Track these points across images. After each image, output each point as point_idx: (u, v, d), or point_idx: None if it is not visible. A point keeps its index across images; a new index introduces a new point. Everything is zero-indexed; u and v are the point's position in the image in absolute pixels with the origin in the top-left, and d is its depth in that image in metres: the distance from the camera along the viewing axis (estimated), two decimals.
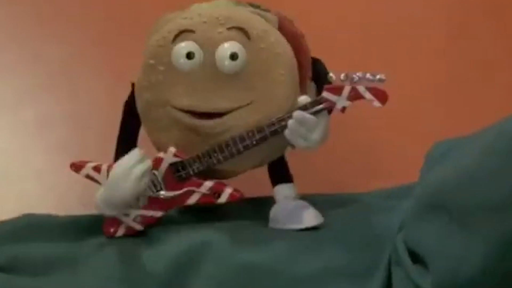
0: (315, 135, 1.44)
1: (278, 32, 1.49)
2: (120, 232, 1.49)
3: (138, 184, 1.43)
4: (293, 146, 1.50)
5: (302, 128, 1.43)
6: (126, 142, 1.53)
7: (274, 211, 1.51)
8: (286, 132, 1.44)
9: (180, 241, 1.44)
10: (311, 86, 1.54)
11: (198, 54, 1.46)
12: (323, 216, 1.49)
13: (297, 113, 1.43)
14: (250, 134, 1.45)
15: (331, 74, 1.44)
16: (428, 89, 1.87)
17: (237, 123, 1.46)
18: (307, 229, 1.46)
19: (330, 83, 1.47)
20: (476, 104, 1.83)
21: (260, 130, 1.45)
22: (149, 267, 1.41)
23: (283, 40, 1.49)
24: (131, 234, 1.48)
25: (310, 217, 1.47)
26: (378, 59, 1.89)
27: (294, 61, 1.49)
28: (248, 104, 1.46)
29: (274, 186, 1.54)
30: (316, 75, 1.53)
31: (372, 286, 1.35)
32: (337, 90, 1.43)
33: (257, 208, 1.54)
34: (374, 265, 1.38)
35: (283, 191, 1.53)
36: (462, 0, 2.05)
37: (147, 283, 1.39)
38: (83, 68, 1.93)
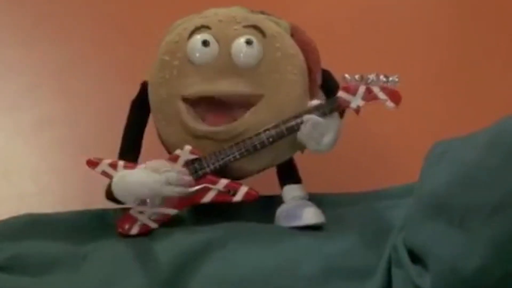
0: (327, 139, 1.45)
1: (291, 38, 1.52)
2: (135, 230, 1.48)
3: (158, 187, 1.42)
4: (302, 150, 1.51)
5: (315, 131, 1.44)
6: (131, 141, 1.53)
7: (279, 210, 1.52)
8: (299, 134, 1.45)
9: (183, 240, 1.44)
10: (320, 94, 1.54)
11: (214, 45, 1.47)
12: (325, 215, 1.49)
13: (311, 117, 1.44)
14: (266, 131, 1.46)
15: (346, 75, 1.47)
16: (428, 89, 1.87)
17: (250, 124, 1.47)
18: (308, 227, 1.46)
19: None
20: (476, 104, 1.83)
21: (276, 126, 1.46)
22: (151, 266, 1.40)
23: (295, 44, 1.51)
24: (145, 232, 1.48)
25: (310, 215, 1.47)
26: (378, 59, 1.89)
27: (305, 66, 1.51)
28: (259, 98, 1.48)
29: (282, 187, 1.55)
30: (325, 85, 1.55)
31: (372, 286, 1.35)
32: (353, 90, 1.46)
33: (265, 207, 1.54)
34: (374, 265, 1.38)
35: (291, 192, 1.53)
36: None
37: (148, 282, 1.38)
38: (81, 69, 1.93)
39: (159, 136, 1.53)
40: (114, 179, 1.45)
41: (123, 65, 1.82)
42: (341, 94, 1.46)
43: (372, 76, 1.45)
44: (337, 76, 1.52)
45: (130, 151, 1.52)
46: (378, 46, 1.88)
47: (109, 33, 1.98)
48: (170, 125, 1.50)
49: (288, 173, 1.55)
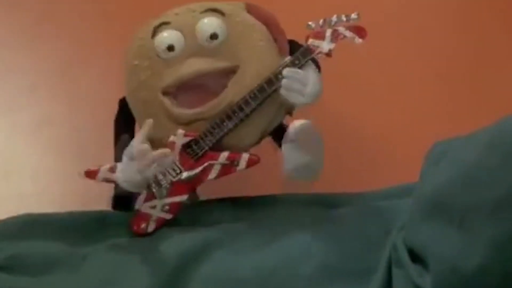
0: (309, 88, 1.48)
1: (248, 14, 1.54)
2: (151, 226, 1.48)
3: (142, 174, 1.42)
4: (290, 112, 1.53)
5: (296, 82, 1.47)
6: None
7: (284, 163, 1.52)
8: (282, 91, 1.48)
9: (182, 241, 1.44)
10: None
11: (179, 41, 1.50)
12: (325, 215, 1.49)
13: (286, 71, 1.48)
14: (252, 95, 1.48)
15: (309, 22, 1.52)
16: (428, 89, 1.87)
17: (234, 94, 1.48)
18: (308, 227, 1.46)
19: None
20: (476, 104, 1.83)
21: (260, 89, 1.48)
22: (150, 267, 1.40)
23: (254, 18, 1.54)
24: (160, 226, 1.48)
25: (294, 125, 1.49)
26: (379, 58, 1.89)
27: (269, 35, 1.54)
28: (235, 69, 1.50)
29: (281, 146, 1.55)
30: (292, 51, 1.55)
31: (372, 286, 1.35)
32: (320, 35, 1.51)
33: (255, 208, 1.54)
34: (374, 265, 1.37)
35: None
36: None
37: (148, 282, 1.38)
38: (80, 69, 1.93)
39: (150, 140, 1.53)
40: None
41: (123, 66, 1.81)
42: (310, 42, 1.50)
43: (334, 18, 1.51)
44: None
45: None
46: (378, 45, 1.88)
47: (109, 33, 1.98)
48: (157, 122, 1.49)
49: (282, 133, 1.55)
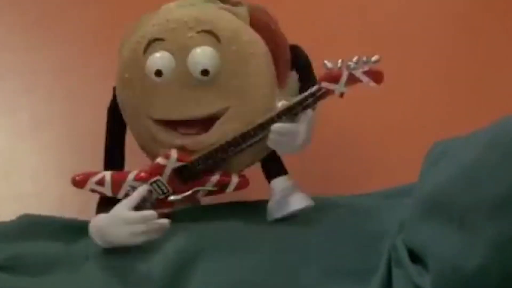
0: (298, 142, 1.43)
1: (250, 29, 1.46)
2: None
3: (133, 239, 1.40)
4: None
5: (284, 138, 1.42)
6: (114, 150, 1.52)
7: (270, 204, 1.50)
8: (269, 143, 1.43)
9: (182, 243, 1.43)
10: (293, 75, 1.52)
11: (170, 63, 1.43)
12: (324, 217, 1.49)
13: (275, 127, 1.41)
14: (252, 132, 1.43)
15: (326, 62, 1.43)
16: (428, 89, 1.87)
17: (224, 131, 1.45)
18: (309, 227, 1.46)
19: (312, 69, 1.49)
20: (476, 104, 1.83)
21: (262, 125, 1.43)
22: (150, 268, 1.40)
23: (255, 37, 1.46)
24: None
25: (297, 201, 1.47)
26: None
27: (269, 57, 1.46)
28: (226, 110, 1.45)
29: (270, 181, 1.52)
30: (296, 62, 1.52)
31: (372, 286, 1.35)
32: (335, 78, 1.43)
33: (255, 210, 1.53)
34: (374, 265, 1.37)
35: (279, 184, 1.51)
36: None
37: (147, 283, 1.38)
38: (81, 69, 1.93)
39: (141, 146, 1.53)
40: (91, 228, 1.43)
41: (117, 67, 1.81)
42: (324, 84, 1.43)
43: (353, 61, 1.42)
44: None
45: (115, 158, 1.51)
46: (377, 46, 1.88)
47: (109, 33, 1.98)
48: (143, 139, 1.49)
49: (273, 166, 1.53)
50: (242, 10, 1.48)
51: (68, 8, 2.04)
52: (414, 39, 1.97)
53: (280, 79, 1.48)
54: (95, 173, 1.47)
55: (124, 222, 1.40)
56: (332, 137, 1.72)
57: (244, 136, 1.44)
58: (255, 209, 1.52)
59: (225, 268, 1.39)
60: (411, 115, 1.82)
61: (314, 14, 2.01)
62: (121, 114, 1.51)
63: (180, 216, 1.49)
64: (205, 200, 1.53)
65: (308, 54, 1.55)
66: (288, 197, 1.48)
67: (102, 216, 1.42)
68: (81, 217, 1.54)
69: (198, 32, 1.43)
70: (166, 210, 1.47)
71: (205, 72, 1.42)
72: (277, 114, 1.42)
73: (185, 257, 1.41)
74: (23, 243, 1.46)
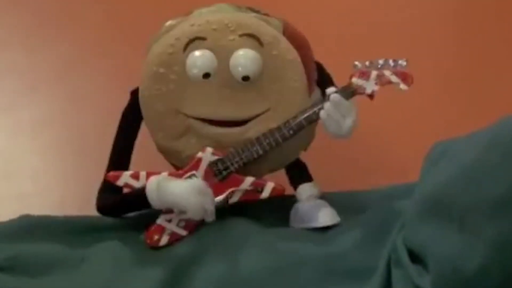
0: (348, 122, 1.44)
1: (285, 39, 1.49)
2: (164, 240, 1.46)
3: (200, 211, 1.42)
4: (306, 148, 1.52)
5: (337, 112, 1.43)
6: (122, 152, 1.52)
7: (293, 211, 1.52)
8: (322, 114, 1.44)
9: (183, 242, 1.44)
10: (317, 89, 1.54)
11: (212, 63, 1.45)
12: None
13: (334, 96, 1.43)
14: (286, 124, 1.45)
15: (356, 62, 1.47)
16: (429, 89, 1.87)
17: (259, 130, 1.46)
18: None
19: (334, 83, 1.50)
20: (476, 104, 1.83)
21: (295, 118, 1.45)
22: (150, 268, 1.40)
23: (291, 46, 1.49)
24: (174, 241, 1.46)
25: (326, 217, 1.48)
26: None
27: (302, 67, 1.49)
28: (265, 112, 1.47)
29: (295, 187, 1.54)
30: (319, 78, 1.54)
31: (372, 286, 1.35)
32: (365, 75, 1.46)
33: (278, 207, 1.53)
34: (374, 265, 1.37)
35: (306, 191, 1.52)
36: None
37: (148, 284, 1.38)
38: (80, 70, 1.93)
39: (157, 146, 1.52)
40: (153, 185, 1.43)
41: (123, 66, 1.82)
42: (354, 80, 1.45)
43: (381, 61, 1.46)
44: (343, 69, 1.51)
45: (122, 160, 1.51)
46: (378, 46, 1.88)
47: (109, 33, 1.98)
48: (172, 136, 1.49)
49: (299, 173, 1.55)
50: (275, 21, 1.51)
51: (70, 8, 2.04)
52: (415, 40, 1.97)
53: (309, 89, 1.50)
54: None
55: (200, 192, 1.41)
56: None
57: (280, 129, 1.45)
58: (255, 209, 1.52)
59: (227, 267, 1.39)
60: (411, 115, 1.82)
61: (316, 17, 2.01)
62: (137, 119, 1.51)
63: None
64: None
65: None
66: (317, 210, 1.49)
67: (175, 180, 1.43)
68: None
69: (240, 36, 1.46)
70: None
71: (246, 78, 1.45)
72: (314, 110, 1.45)
73: (185, 257, 1.41)
74: (23, 243, 1.46)
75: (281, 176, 1.54)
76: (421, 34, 1.98)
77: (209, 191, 1.43)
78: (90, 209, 1.50)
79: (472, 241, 1.20)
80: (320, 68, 1.55)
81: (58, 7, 2.05)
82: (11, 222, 1.52)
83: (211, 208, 1.42)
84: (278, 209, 1.53)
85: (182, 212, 1.43)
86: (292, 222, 1.51)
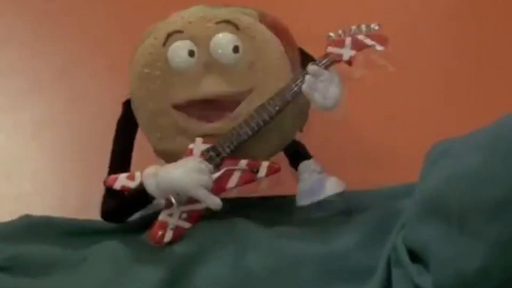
0: (332, 91, 1.44)
1: (262, 25, 1.51)
2: (168, 235, 1.45)
3: (197, 189, 1.42)
4: (301, 128, 1.52)
5: (319, 82, 1.44)
6: (122, 158, 1.53)
7: (300, 188, 1.53)
8: (304, 87, 1.45)
9: (182, 242, 1.44)
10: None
11: (192, 49, 1.47)
12: (323, 215, 1.49)
13: (312, 67, 1.45)
14: (270, 101, 1.46)
15: (330, 33, 1.49)
16: (429, 89, 1.87)
17: (247, 113, 1.47)
18: (311, 226, 1.46)
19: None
20: (476, 104, 1.83)
21: (279, 94, 1.46)
22: (150, 268, 1.40)
23: (268, 30, 1.51)
24: (179, 236, 1.45)
25: (332, 185, 1.50)
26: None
27: (282, 47, 1.51)
28: (249, 91, 1.48)
29: (296, 167, 1.55)
30: (303, 60, 1.54)
31: (372, 285, 1.35)
32: (340, 43, 1.48)
33: (255, 209, 1.53)
34: (374, 265, 1.37)
35: (307, 167, 1.54)
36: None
37: (148, 284, 1.38)
38: (81, 69, 1.93)
39: (155, 149, 1.53)
40: (149, 176, 1.43)
41: (123, 66, 1.81)
42: (330, 49, 1.48)
43: (354, 27, 1.48)
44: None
45: (121, 167, 1.51)
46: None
47: (110, 33, 1.98)
48: (168, 137, 1.49)
49: (298, 152, 1.56)
50: (251, 11, 1.53)
51: (70, 8, 2.04)
52: (416, 39, 1.96)
53: (292, 63, 1.52)
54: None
55: (195, 170, 1.41)
56: (332, 136, 1.72)
57: (265, 107, 1.46)
58: (255, 208, 1.52)
59: (227, 267, 1.39)
60: (411, 114, 1.82)
61: (313, 12, 2.01)
62: (131, 127, 1.53)
63: None
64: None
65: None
66: (322, 181, 1.50)
67: (170, 165, 1.44)
68: (81, 217, 1.55)
69: (217, 23, 1.48)
70: (201, 207, 1.46)
71: (236, 49, 1.47)
72: (296, 83, 1.46)
73: (185, 257, 1.41)
74: (23, 243, 1.46)
75: (282, 175, 1.54)
76: (421, 34, 1.98)
77: (205, 168, 1.43)
78: (90, 209, 1.50)
79: (472, 242, 1.19)
80: (302, 52, 1.56)
81: (58, 7, 2.05)
82: (11, 222, 1.52)
83: (209, 184, 1.42)
84: (278, 209, 1.53)
85: (183, 194, 1.43)
86: (300, 200, 1.52)
